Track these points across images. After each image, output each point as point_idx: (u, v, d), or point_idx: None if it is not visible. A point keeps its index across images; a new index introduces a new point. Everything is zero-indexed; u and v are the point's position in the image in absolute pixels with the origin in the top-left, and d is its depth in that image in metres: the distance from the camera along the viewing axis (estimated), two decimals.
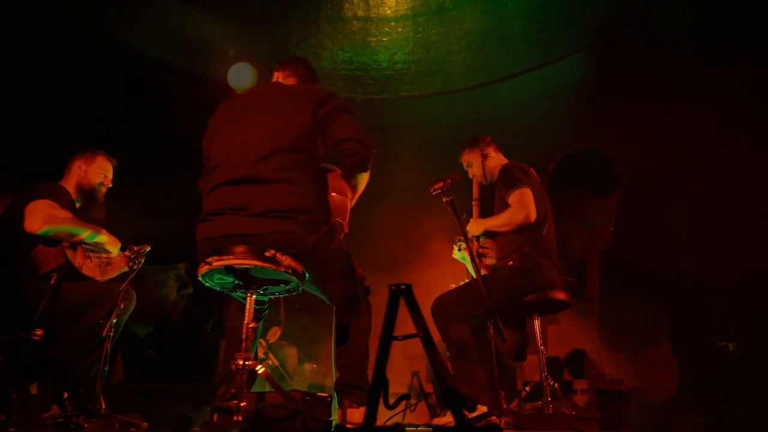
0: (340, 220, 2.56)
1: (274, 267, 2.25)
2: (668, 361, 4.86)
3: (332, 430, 2.31)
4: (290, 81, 2.89)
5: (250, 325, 2.31)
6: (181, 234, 3.29)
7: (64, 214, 3.04)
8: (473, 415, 2.91)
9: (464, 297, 3.03)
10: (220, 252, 2.27)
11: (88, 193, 3.34)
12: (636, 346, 5.07)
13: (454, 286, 3.89)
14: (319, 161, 2.57)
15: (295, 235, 2.31)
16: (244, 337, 2.29)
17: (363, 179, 2.61)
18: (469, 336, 3.02)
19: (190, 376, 5.00)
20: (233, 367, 2.21)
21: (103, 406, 2.70)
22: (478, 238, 3.42)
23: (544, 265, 3.11)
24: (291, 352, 4.75)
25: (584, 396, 4.45)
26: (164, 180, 5.56)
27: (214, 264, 2.25)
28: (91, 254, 3.15)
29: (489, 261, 3.45)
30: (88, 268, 3.10)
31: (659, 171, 5.75)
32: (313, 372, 4.98)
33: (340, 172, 2.66)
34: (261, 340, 4.65)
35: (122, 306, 2.93)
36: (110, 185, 3.45)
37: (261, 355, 4.58)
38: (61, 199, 3.11)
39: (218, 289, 2.51)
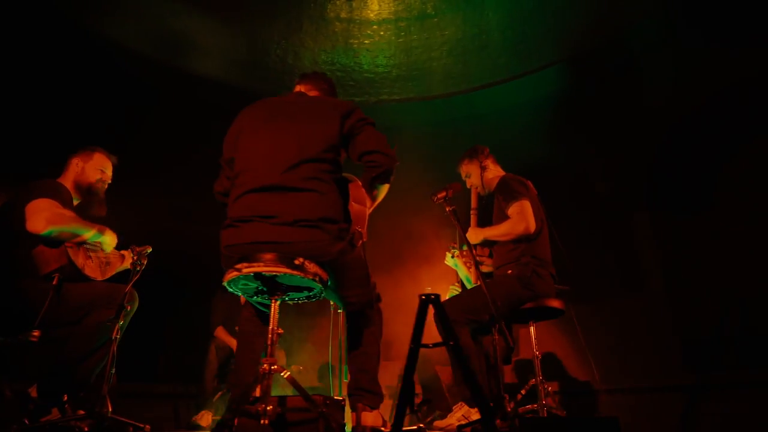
0: (359, 229, 2.63)
1: (302, 275, 2.30)
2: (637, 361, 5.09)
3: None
4: (313, 94, 2.94)
5: (278, 331, 2.35)
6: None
7: (68, 213, 3.00)
8: (474, 418, 3.03)
9: (467, 303, 3.15)
10: (249, 259, 2.30)
11: (85, 190, 3.28)
12: (607, 347, 5.29)
13: (455, 290, 4.01)
14: (342, 171, 2.63)
15: (323, 243, 2.37)
16: (269, 342, 2.33)
17: (384, 190, 2.69)
18: (471, 342, 3.14)
19: (165, 376, 4.97)
20: (261, 371, 2.25)
21: (110, 409, 2.68)
22: (474, 246, 3.55)
23: (541, 275, 3.26)
24: (279, 355, 4.78)
25: (556, 397, 4.65)
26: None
27: (244, 271, 2.29)
28: (91, 254, 3.11)
29: (485, 269, 3.59)
30: (90, 268, 3.07)
31: (626, 181, 6.02)
32: (299, 374, 5.01)
33: (358, 181, 2.73)
34: None
35: (128, 308, 2.92)
36: (109, 182, 3.41)
37: None
38: (62, 197, 3.05)
39: (239, 293, 2.54)
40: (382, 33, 7.08)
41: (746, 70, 5.10)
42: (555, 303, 3.23)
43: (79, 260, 2.99)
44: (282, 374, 2.33)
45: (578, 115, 6.31)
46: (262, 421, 2.20)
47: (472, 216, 3.59)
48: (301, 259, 2.31)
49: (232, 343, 4.62)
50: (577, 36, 6.38)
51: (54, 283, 2.84)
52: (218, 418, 4.38)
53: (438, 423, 3.27)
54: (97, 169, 3.31)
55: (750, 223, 5.03)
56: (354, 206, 2.66)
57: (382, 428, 2.55)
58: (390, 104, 7.15)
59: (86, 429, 2.78)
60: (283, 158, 2.45)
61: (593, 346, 4.84)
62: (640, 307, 5.56)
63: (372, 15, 7.05)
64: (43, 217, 2.86)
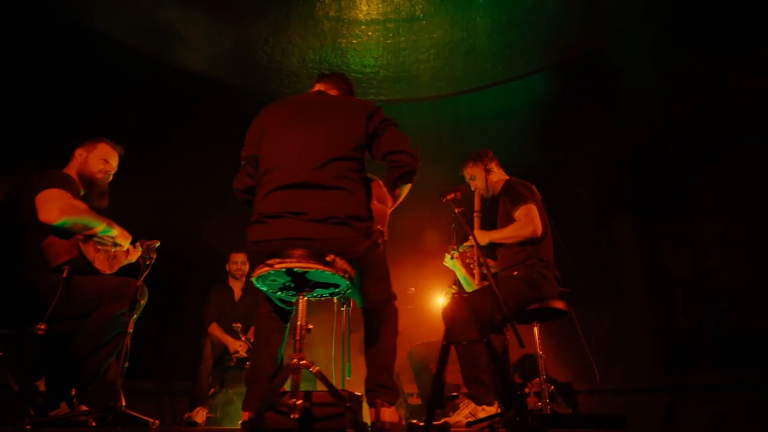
0: (381, 228, 2.68)
1: (333, 271, 2.33)
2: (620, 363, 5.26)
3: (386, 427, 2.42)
4: (333, 93, 2.96)
5: (307, 326, 2.37)
6: None
7: (81, 204, 2.95)
8: (481, 415, 3.10)
9: (477, 303, 3.22)
10: (281, 255, 2.32)
11: (88, 181, 3.21)
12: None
13: (454, 290, 4.07)
14: (365, 170, 2.67)
15: (352, 241, 2.40)
16: (298, 337, 2.35)
17: (406, 189, 2.74)
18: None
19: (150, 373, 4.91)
20: (291, 365, 2.27)
21: (123, 403, 2.66)
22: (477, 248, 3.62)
23: (547, 277, 3.36)
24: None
25: (535, 398, 4.76)
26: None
27: (276, 266, 2.30)
28: (99, 247, 3.07)
29: (495, 270, 3.67)
30: (100, 261, 3.03)
31: (602, 185, 6.20)
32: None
33: (379, 180, 2.77)
34: (244, 338, 4.63)
35: (142, 302, 2.89)
36: (113, 172, 3.36)
37: (243, 354, 4.57)
38: (72, 188, 3.00)
39: (264, 289, 2.55)
40: (370, 33, 7.12)
41: (727, 82, 5.33)
42: (559, 304, 3.33)
43: (90, 253, 2.95)
44: (310, 369, 2.36)
45: (562, 121, 6.47)
46: (292, 416, 2.23)
47: (475, 218, 3.66)
48: (332, 256, 2.34)
49: (227, 339, 4.59)
50: (562, 44, 6.54)
51: (64, 275, 2.79)
52: (213, 415, 4.36)
53: (445, 420, 3.33)
54: (100, 159, 3.25)
55: (728, 228, 5.26)
56: (376, 205, 2.70)
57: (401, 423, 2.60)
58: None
59: (93, 423, 2.75)
60: (312, 156, 2.48)
61: (574, 349, 4.99)
62: (621, 309, 5.74)
63: (360, 15, 7.09)
64: (56, 207, 2.81)
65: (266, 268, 2.34)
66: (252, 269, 2.46)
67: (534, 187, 3.66)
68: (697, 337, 4.99)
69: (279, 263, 2.31)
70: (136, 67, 6.25)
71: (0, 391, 2.60)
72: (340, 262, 2.37)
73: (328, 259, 2.33)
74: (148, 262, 3.02)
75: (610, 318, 5.63)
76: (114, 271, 3.14)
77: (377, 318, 2.71)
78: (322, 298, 2.63)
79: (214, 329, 4.63)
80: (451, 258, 4.00)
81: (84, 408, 2.80)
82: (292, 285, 2.45)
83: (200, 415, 4.14)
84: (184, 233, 5.95)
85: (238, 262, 5.09)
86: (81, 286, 2.85)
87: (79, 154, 3.26)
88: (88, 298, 2.86)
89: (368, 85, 7.17)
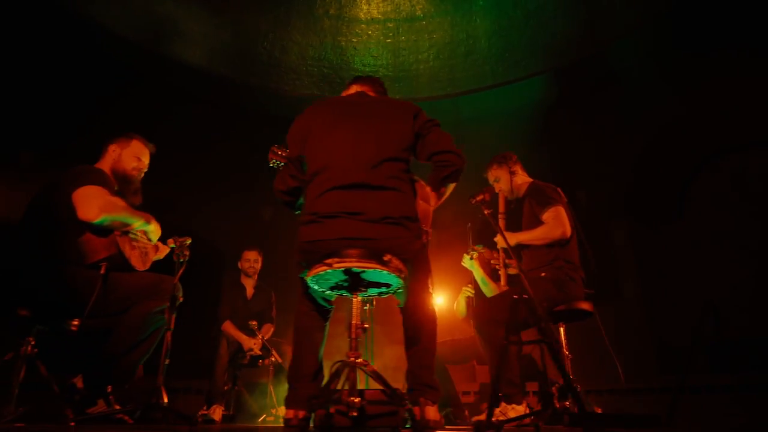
0: (425, 228, 2.69)
1: (389, 271, 2.34)
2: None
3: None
4: (372, 95, 2.98)
5: (363, 326, 2.38)
6: None
7: (120, 201, 2.90)
8: (511, 414, 3.14)
9: (507, 305, 3.25)
10: (339, 254, 2.32)
11: (121, 177, 3.18)
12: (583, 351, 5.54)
13: (469, 291, 4.10)
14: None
15: (405, 241, 2.41)
16: (354, 336, 2.36)
17: (450, 188, 2.76)
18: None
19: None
20: (349, 364, 2.27)
21: (165, 400, 2.63)
22: (503, 249, 3.67)
23: (574, 278, 3.41)
24: (289, 349, 4.75)
25: (534, 397, 4.83)
26: None
27: (335, 266, 2.31)
28: (135, 244, 3.03)
29: (512, 271, 3.71)
30: (135, 258, 2.99)
31: (602, 191, 6.32)
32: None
33: (421, 180, 2.79)
34: (260, 336, 4.60)
35: (181, 299, 2.86)
36: (145, 170, 3.31)
37: (257, 351, 4.54)
38: (109, 186, 2.95)
39: (316, 288, 2.55)
40: (370, 32, 7.12)
41: (723, 89, 5.48)
42: (585, 305, 3.38)
43: (127, 250, 2.90)
44: (365, 367, 2.36)
45: (559, 124, 6.56)
46: (350, 414, 2.23)
47: (500, 220, 3.70)
48: (389, 256, 2.35)
49: (241, 337, 4.56)
50: (560, 48, 6.64)
51: (102, 272, 2.75)
52: (227, 412, 4.31)
53: (475, 418, 3.36)
54: (134, 156, 3.21)
55: (718, 234, 5.41)
56: (421, 204, 2.72)
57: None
58: None
59: (130, 421, 2.73)
60: (365, 157, 2.49)
61: (575, 350, 5.06)
62: (617, 311, 5.85)
63: (361, 14, 7.08)
64: (95, 204, 2.76)
65: (324, 268, 2.34)
66: (307, 268, 2.46)
67: (559, 189, 3.71)
68: (696, 339, 5.11)
69: (338, 263, 2.32)
70: (134, 59, 6.14)
71: (38, 388, 2.56)
72: (396, 262, 2.38)
73: (385, 258, 2.34)
74: (182, 259, 2.98)
75: (605, 320, 5.72)
76: (147, 267, 3.11)
77: (419, 317, 2.72)
78: (371, 296, 2.64)
79: (228, 327, 4.59)
80: (471, 258, 4.03)
81: (117, 407, 2.77)
82: (345, 284, 2.45)
83: (217, 413, 4.10)
84: (184, 230, 5.87)
85: (251, 259, 5.05)
86: (118, 283, 2.82)
87: (113, 150, 3.21)
88: (125, 296, 2.83)
89: None
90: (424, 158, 2.68)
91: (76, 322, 2.76)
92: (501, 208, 3.75)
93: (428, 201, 2.76)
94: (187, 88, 6.53)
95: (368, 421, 2.37)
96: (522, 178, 3.85)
